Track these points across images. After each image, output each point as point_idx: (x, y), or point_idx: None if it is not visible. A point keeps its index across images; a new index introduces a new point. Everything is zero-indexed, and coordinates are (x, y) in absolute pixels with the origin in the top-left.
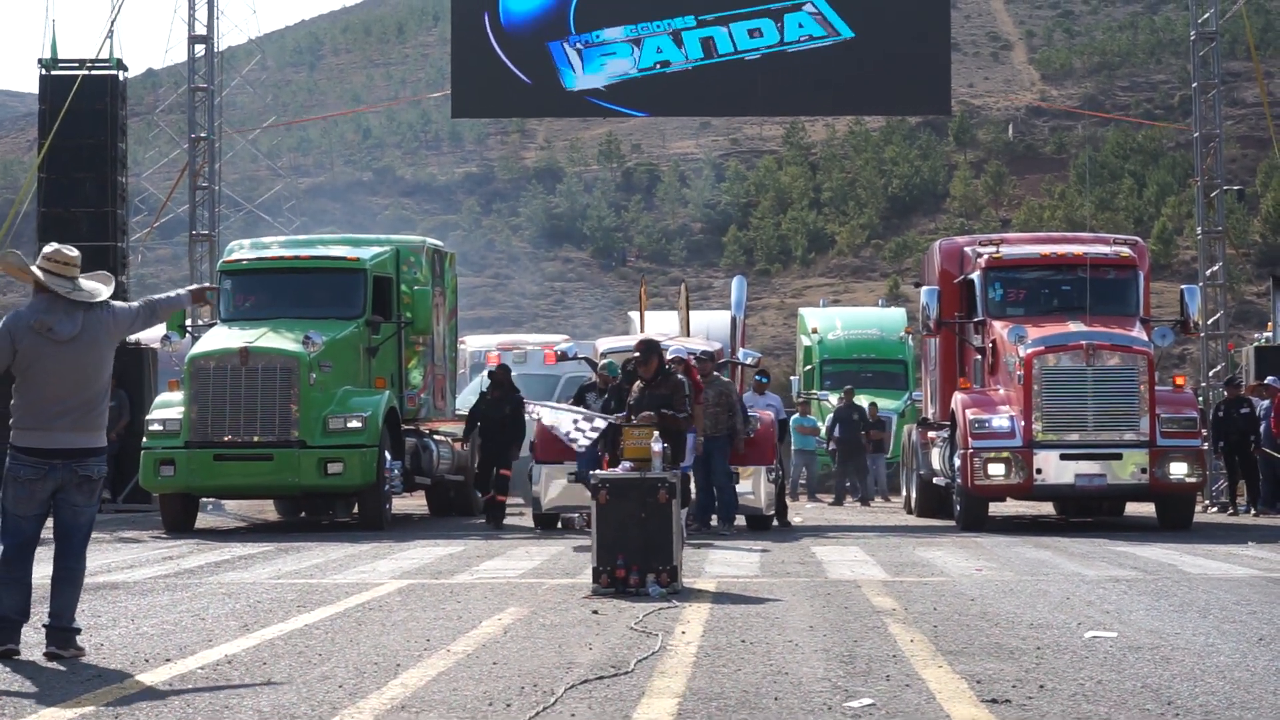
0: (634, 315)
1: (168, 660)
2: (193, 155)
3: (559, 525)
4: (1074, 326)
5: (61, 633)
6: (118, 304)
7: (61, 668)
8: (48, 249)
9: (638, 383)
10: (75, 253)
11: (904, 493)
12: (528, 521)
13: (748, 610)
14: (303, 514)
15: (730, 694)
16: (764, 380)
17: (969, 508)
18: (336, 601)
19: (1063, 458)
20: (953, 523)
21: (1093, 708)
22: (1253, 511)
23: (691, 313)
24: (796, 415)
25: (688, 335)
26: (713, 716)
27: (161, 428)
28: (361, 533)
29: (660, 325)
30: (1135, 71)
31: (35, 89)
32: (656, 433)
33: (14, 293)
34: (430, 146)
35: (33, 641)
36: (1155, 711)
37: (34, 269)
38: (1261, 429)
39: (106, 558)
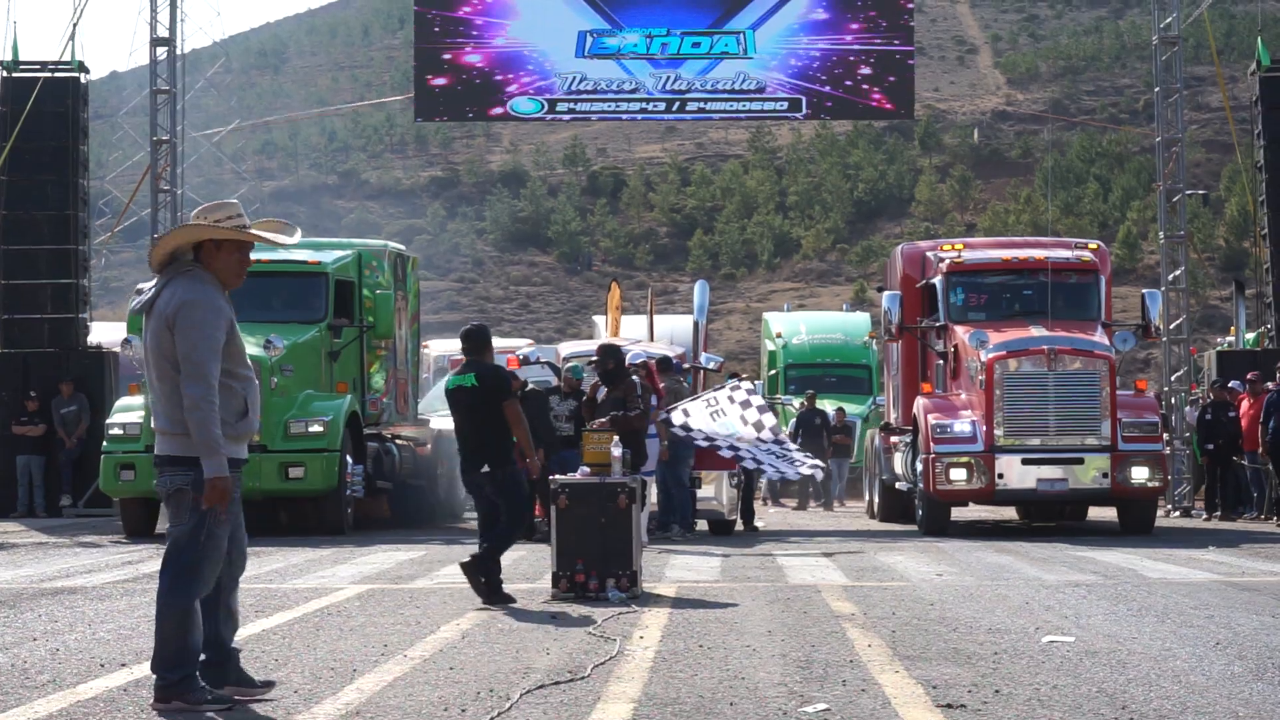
0: (598, 319)
1: (123, 665)
2: (155, 158)
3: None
4: (1035, 331)
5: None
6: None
7: (17, 670)
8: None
9: (601, 389)
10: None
11: (866, 497)
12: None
13: (706, 615)
14: None
15: (686, 699)
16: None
17: (931, 513)
18: (294, 607)
19: (1024, 463)
20: (915, 528)
21: (1047, 712)
22: (1205, 516)
23: (656, 317)
24: None
25: (652, 339)
26: None
27: (122, 432)
28: (322, 537)
29: (627, 329)
30: (1100, 76)
31: None
32: (616, 437)
33: None
34: (395, 150)
35: None
36: (1109, 716)
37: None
38: None
39: (65, 562)
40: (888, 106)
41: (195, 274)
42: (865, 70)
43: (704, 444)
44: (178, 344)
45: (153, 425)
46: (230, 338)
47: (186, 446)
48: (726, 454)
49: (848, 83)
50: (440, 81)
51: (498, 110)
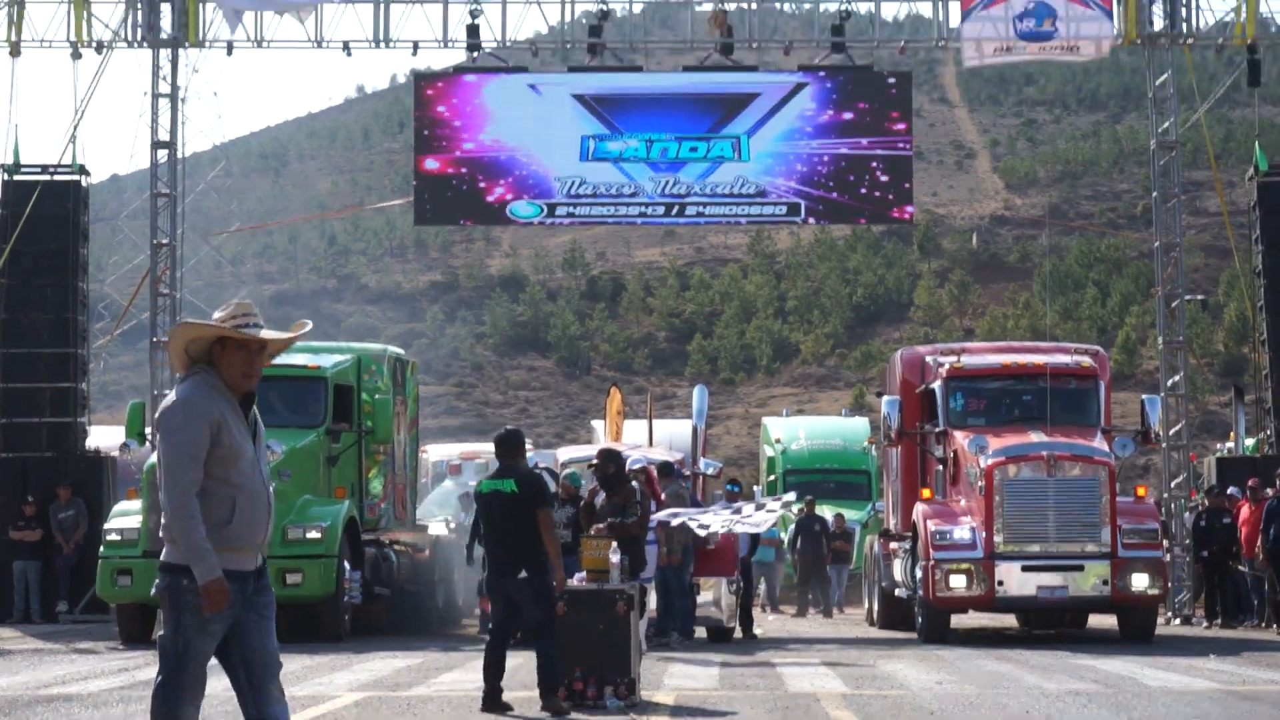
0: (597, 424)
1: None
2: (154, 261)
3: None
4: (1035, 437)
5: None
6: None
7: None
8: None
9: (600, 495)
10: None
11: (866, 604)
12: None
13: None
14: None
15: None
16: (735, 489)
17: (931, 620)
18: (291, 715)
19: (1024, 569)
20: (915, 635)
21: None
22: (1206, 624)
23: (655, 421)
24: None
25: (651, 444)
26: None
27: (119, 537)
28: (319, 644)
29: (627, 435)
30: (1099, 180)
31: None
32: (615, 544)
33: None
34: (395, 253)
35: None
36: None
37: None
38: None
39: (62, 669)
40: (906, 217)
41: (201, 377)
42: (881, 176)
43: (694, 523)
44: (158, 448)
45: None
46: (219, 441)
47: (173, 553)
48: (696, 524)
49: (861, 190)
50: (440, 186)
51: (497, 214)
